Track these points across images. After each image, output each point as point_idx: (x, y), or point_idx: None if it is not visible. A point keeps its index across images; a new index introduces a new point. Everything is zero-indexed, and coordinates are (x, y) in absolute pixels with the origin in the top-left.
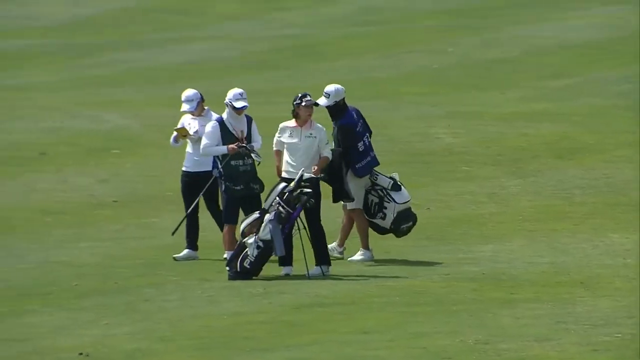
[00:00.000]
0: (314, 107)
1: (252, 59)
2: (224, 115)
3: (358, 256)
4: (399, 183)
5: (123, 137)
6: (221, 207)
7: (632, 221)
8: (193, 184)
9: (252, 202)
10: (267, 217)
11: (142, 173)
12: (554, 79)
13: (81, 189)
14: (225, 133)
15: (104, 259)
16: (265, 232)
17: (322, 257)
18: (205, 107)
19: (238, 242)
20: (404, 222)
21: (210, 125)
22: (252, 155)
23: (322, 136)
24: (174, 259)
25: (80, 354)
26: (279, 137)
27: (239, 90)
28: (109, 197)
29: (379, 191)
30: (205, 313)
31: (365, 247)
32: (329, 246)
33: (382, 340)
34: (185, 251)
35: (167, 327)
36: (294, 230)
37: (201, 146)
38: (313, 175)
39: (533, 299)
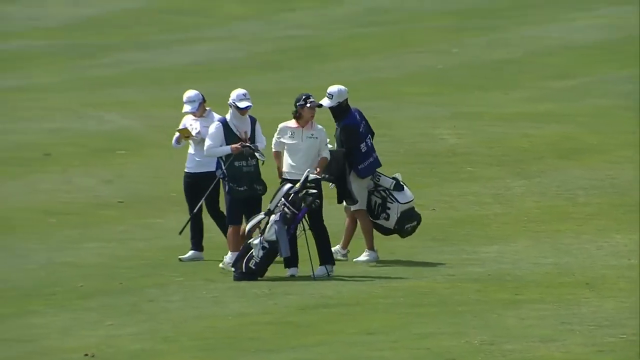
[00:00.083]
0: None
1: (258, 60)
2: (228, 116)
3: (363, 257)
4: (401, 183)
5: (128, 138)
6: (223, 209)
7: (636, 222)
8: (195, 185)
9: (254, 204)
10: (273, 218)
11: (146, 174)
12: (558, 79)
13: (86, 189)
14: (229, 134)
15: (109, 259)
16: (270, 233)
17: (326, 256)
18: (207, 108)
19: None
20: (408, 222)
21: (214, 126)
22: (256, 154)
23: (323, 137)
24: (180, 260)
25: (86, 354)
26: (278, 137)
27: (243, 91)
28: (114, 198)
29: (381, 192)
30: (210, 314)
31: (371, 247)
32: (333, 249)
33: (386, 341)
34: (191, 252)
35: (172, 328)
36: (298, 231)
37: (205, 147)
38: (318, 176)
39: (538, 300)
